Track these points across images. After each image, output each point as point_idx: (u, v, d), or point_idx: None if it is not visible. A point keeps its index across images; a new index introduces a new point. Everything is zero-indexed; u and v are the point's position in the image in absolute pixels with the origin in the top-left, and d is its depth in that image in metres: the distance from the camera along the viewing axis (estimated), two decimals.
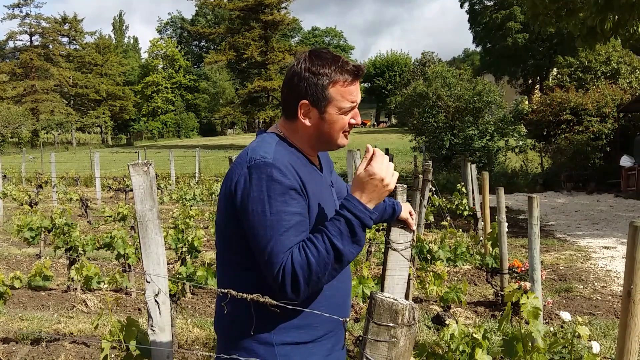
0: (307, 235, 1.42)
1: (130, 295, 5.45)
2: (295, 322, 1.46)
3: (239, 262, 1.50)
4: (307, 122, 1.53)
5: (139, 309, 5.05)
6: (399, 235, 2.00)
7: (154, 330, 2.35)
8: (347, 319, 1.50)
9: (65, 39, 61.78)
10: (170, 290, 2.82)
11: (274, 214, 1.38)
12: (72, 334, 4.38)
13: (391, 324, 1.09)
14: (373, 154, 1.48)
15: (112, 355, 3.62)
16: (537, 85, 44.93)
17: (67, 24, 60.39)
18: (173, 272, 4.59)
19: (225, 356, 1.49)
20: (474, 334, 1.95)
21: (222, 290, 1.47)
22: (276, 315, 1.43)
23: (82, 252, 5.47)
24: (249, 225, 1.41)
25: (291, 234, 1.38)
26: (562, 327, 3.65)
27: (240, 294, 1.42)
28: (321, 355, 1.51)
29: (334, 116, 1.52)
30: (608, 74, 21.52)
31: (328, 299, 1.52)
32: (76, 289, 5.47)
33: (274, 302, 1.38)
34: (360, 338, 1.15)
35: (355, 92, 1.54)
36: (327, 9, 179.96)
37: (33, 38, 58.94)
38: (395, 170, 1.51)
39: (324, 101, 1.50)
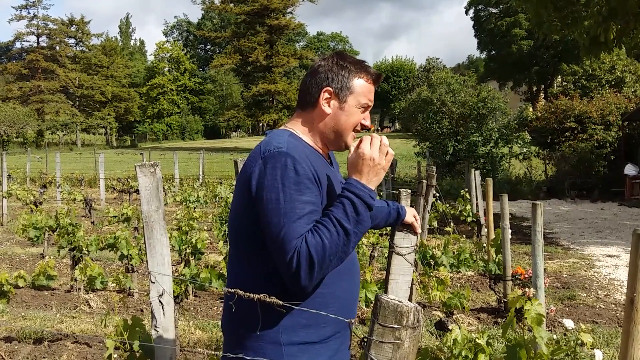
0: None
1: (133, 296, 5.46)
2: (303, 322, 1.46)
3: (249, 257, 1.50)
4: (326, 108, 1.58)
5: (142, 310, 5.06)
6: (402, 240, 2.02)
7: (157, 331, 2.37)
8: (354, 320, 1.51)
9: (71, 41, 62.24)
10: (173, 292, 2.83)
11: (287, 202, 1.39)
12: (74, 333, 4.39)
13: (396, 326, 1.10)
14: (361, 139, 1.54)
15: (115, 355, 3.63)
16: (542, 93, 44.90)
17: (74, 26, 60.80)
18: (176, 274, 4.60)
19: (232, 355, 1.48)
20: (477, 340, 1.96)
21: (230, 290, 1.48)
22: (284, 315, 1.43)
23: (86, 252, 5.48)
24: (263, 213, 1.42)
25: (304, 222, 1.39)
26: (565, 334, 3.64)
27: (247, 294, 1.42)
28: (327, 356, 1.51)
29: (352, 108, 1.59)
30: (613, 83, 21.55)
31: (338, 300, 1.52)
32: (79, 289, 5.48)
33: (280, 303, 1.38)
34: (365, 339, 1.16)
35: (372, 93, 1.62)
36: (344, 13, 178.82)
37: (40, 39, 59.40)
38: (394, 160, 1.54)
39: (346, 90, 1.58)
